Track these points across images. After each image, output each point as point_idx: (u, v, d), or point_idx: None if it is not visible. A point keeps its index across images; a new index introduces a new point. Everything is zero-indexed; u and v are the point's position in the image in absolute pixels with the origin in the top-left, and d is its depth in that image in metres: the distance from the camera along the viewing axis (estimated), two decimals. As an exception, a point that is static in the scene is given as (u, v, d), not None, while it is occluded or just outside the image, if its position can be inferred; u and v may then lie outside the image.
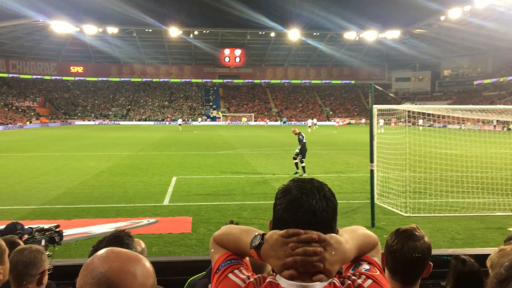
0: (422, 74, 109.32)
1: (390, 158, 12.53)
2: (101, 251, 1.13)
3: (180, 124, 68.06)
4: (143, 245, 2.75)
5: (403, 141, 12.92)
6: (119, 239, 2.28)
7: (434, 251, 5.57)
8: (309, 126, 59.65)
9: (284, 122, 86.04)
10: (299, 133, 17.84)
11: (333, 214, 1.30)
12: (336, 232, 1.32)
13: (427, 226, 9.57)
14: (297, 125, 61.49)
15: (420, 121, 15.82)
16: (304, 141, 17.50)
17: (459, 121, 19.16)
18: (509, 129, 52.45)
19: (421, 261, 2.12)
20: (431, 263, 2.16)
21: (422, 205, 11.01)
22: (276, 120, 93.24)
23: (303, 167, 17.39)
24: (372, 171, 10.30)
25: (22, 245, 2.89)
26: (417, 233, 2.16)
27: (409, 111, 12.81)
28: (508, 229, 9.28)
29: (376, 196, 10.98)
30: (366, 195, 11.99)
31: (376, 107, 11.53)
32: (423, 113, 15.31)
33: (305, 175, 16.80)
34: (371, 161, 10.30)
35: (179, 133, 51.32)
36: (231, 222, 3.42)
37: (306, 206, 1.26)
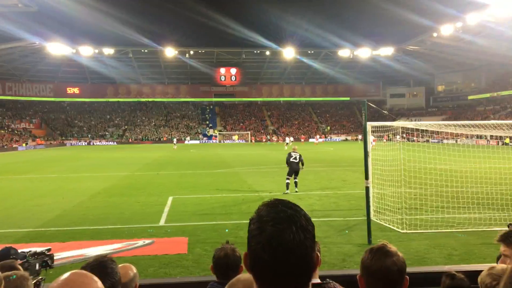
0: (416, 90, 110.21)
1: (385, 174, 12.56)
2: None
3: (175, 143, 68.26)
4: (134, 270, 2.74)
5: (398, 157, 12.97)
6: (103, 263, 2.28)
7: (431, 268, 5.50)
8: (287, 144, 63.99)
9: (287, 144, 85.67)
10: (288, 153, 17.86)
11: (311, 243, 1.27)
12: (316, 258, 1.32)
13: (424, 242, 9.56)
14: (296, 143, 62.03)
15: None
16: (291, 160, 17.29)
17: (454, 136, 19.28)
18: (505, 143, 52.64)
19: (401, 276, 2.14)
20: (407, 277, 2.18)
21: (419, 221, 10.99)
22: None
23: (296, 183, 17.43)
24: (367, 188, 10.31)
25: (21, 270, 2.85)
26: (391, 249, 2.19)
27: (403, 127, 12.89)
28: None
29: (372, 213, 10.96)
30: (363, 212, 11.95)
31: (369, 124, 11.61)
32: (417, 129, 15.39)
33: (296, 190, 17.14)
34: (366, 177, 10.32)
35: (176, 152, 51.30)
36: (227, 243, 3.41)
37: (284, 245, 1.22)
